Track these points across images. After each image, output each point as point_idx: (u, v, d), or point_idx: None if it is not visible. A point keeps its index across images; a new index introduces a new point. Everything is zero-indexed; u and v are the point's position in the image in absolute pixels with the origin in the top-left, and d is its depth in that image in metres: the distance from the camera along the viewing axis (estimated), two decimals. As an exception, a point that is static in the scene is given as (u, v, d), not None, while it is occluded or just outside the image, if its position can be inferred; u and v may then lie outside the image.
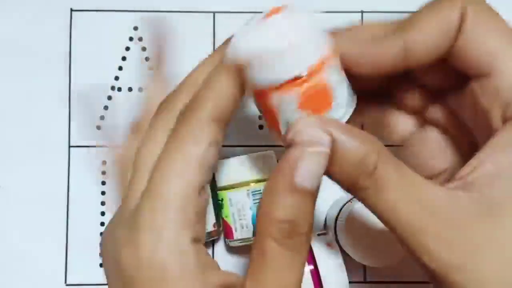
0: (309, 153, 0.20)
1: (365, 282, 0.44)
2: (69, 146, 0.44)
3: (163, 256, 0.21)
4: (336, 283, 0.37)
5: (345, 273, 0.37)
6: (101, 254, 0.24)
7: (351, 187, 0.22)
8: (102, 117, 0.44)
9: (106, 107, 0.44)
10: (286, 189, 0.20)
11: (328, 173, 0.22)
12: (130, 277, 0.22)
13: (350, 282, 0.43)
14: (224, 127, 0.24)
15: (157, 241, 0.21)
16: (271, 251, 0.20)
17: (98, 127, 0.44)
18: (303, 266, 0.21)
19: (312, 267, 0.37)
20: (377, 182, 0.21)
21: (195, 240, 0.23)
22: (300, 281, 0.21)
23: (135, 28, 0.45)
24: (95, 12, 0.45)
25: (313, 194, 0.21)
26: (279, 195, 0.20)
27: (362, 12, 0.46)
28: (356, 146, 0.21)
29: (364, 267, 0.43)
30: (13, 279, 0.43)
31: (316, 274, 0.37)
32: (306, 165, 0.20)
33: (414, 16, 0.24)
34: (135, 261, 0.22)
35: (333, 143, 0.21)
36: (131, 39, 0.45)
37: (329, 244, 0.39)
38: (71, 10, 0.45)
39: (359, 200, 0.23)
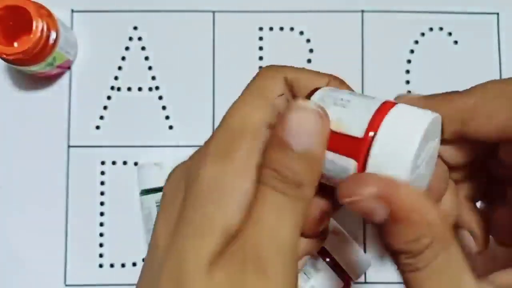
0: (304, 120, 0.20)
1: (365, 282, 0.43)
2: (68, 146, 0.44)
3: None
4: (354, 258, 0.40)
5: (360, 249, 0.40)
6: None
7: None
8: (101, 117, 0.44)
9: (105, 107, 0.44)
10: (292, 155, 0.21)
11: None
12: None
13: (350, 283, 0.43)
14: None
15: None
16: (272, 197, 0.21)
17: (98, 127, 0.44)
18: (303, 212, 0.22)
19: (328, 259, 0.39)
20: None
21: None
22: (298, 224, 0.21)
23: (135, 28, 0.45)
24: (95, 12, 0.45)
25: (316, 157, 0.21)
26: (285, 157, 0.21)
27: (362, 12, 0.45)
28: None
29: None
30: (13, 279, 0.43)
31: (332, 262, 0.39)
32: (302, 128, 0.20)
33: None
34: None
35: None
36: (130, 39, 0.45)
37: (334, 232, 0.40)
38: (72, 11, 0.45)
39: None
